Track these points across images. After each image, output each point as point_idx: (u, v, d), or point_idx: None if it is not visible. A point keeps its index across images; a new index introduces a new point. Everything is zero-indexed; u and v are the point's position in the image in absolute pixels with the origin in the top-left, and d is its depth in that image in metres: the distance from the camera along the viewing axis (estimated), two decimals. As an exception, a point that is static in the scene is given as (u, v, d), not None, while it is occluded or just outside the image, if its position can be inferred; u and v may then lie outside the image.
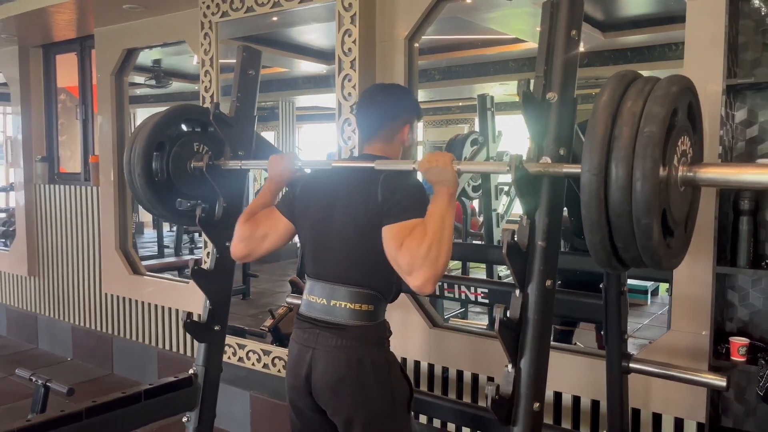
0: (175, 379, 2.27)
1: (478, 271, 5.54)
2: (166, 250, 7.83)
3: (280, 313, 3.93)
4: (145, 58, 6.23)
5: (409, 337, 3.01)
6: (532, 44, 4.91)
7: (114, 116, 4.35)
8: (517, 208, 3.52)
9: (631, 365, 2.08)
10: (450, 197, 1.69)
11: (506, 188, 5.08)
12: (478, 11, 4.46)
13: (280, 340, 3.69)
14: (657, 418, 2.42)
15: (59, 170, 5.12)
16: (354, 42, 2.93)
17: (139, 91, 7.88)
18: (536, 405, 1.56)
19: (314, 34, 5.12)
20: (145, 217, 9.42)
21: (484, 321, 4.80)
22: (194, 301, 3.49)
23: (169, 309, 4.19)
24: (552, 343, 3.49)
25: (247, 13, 3.33)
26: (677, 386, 2.16)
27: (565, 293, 2.79)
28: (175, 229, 7.97)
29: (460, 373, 2.92)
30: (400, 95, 1.99)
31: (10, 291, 5.54)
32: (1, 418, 3.80)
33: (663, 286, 5.85)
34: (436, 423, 2.99)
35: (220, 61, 3.53)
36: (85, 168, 4.81)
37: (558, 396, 2.66)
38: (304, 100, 8.44)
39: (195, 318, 2.33)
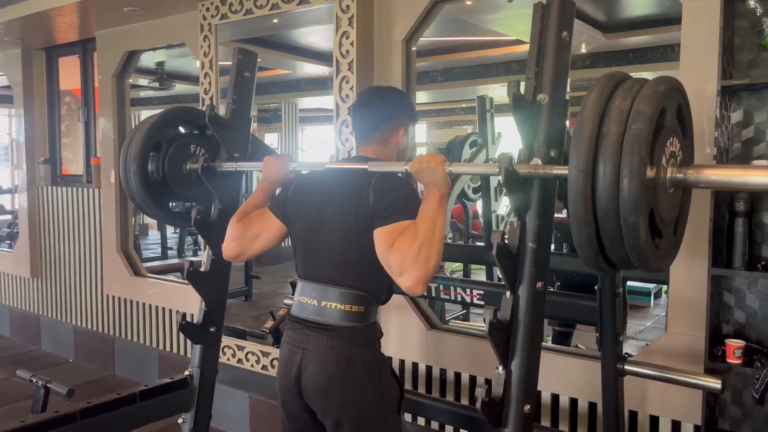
0: (171, 380, 2.27)
1: (480, 273, 5.53)
2: (169, 252, 7.86)
3: (280, 315, 3.93)
4: (149, 60, 6.26)
5: (406, 338, 3.01)
6: (533, 46, 4.89)
7: (115, 118, 4.37)
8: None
9: (626, 367, 2.07)
10: (441, 198, 1.69)
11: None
12: (479, 13, 4.45)
13: (281, 341, 3.69)
14: (654, 421, 2.42)
15: (62, 172, 5.14)
16: (352, 44, 2.94)
17: (143, 93, 7.91)
18: (527, 407, 1.56)
19: (316, 36, 5.13)
20: (150, 219, 9.45)
21: (485, 323, 4.77)
22: (194, 302, 3.45)
23: (170, 310, 4.20)
24: (549, 345, 3.51)
25: (246, 15, 3.34)
26: (674, 388, 2.16)
27: (561, 295, 2.80)
28: (178, 231, 8.00)
29: (458, 375, 2.92)
30: (396, 98, 2.00)
31: (13, 292, 5.57)
32: (3, 418, 3.81)
33: (666, 288, 5.81)
34: (435, 425, 2.99)
35: (222, 63, 3.54)
36: (87, 170, 4.83)
37: (555, 398, 2.65)
38: (307, 102, 8.45)
39: (190, 319, 2.34)
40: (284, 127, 8.36)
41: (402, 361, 3.07)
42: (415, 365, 3.04)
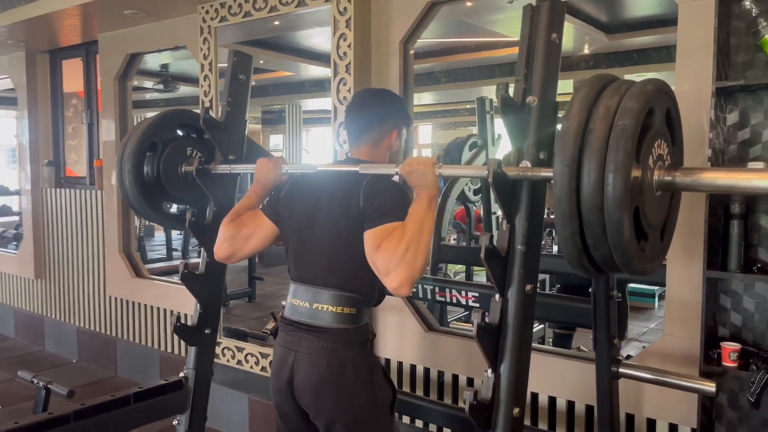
0: (166, 382, 2.28)
1: (482, 275, 5.53)
2: (174, 254, 7.89)
3: (281, 316, 3.93)
4: (154, 62, 6.29)
5: (404, 340, 3.01)
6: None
7: (117, 121, 4.39)
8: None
9: (620, 370, 2.06)
10: (430, 200, 1.70)
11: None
12: (480, 14, 4.45)
13: (274, 343, 3.70)
14: (651, 424, 2.40)
15: (66, 174, 5.17)
16: (349, 46, 2.94)
17: (147, 96, 7.95)
18: (516, 410, 1.56)
19: (319, 38, 5.14)
20: (155, 220, 9.47)
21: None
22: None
23: (171, 312, 4.21)
24: (545, 347, 3.50)
25: (245, 17, 3.35)
26: (670, 391, 2.14)
27: (557, 297, 2.79)
28: (182, 232, 8.02)
29: (455, 377, 2.91)
30: (390, 100, 2.00)
31: (18, 293, 5.60)
32: (4, 419, 3.83)
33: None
34: (432, 428, 2.98)
35: (223, 65, 3.55)
36: (90, 172, 4.86)
37: (552, 400, 2.64)
38: (311, 103, 8.47)
39: (186, 321, 2.34)
40: (288, 128, 8.38)
41: (400, 363, 3.07)
42: (413, 367, 3.04)
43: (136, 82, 6.83)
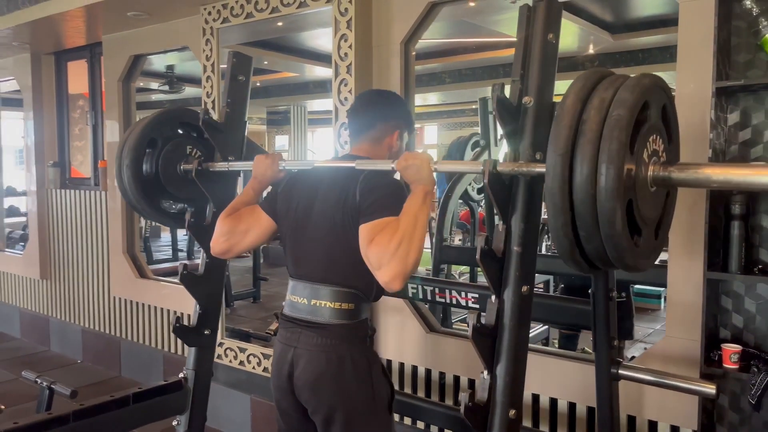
0: (165, 382, 2.29)
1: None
2: (180, 254, 7.92)
3: (281, 313, 3.94)
4: (159, 63, 6.31)
5: (405, 341, 3.00)
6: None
7: (121, 122, 4.40)
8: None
9: (620, 372, 2.05)
10: (425, 196, 1.69)
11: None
12: (483, 14, 4.44)
13: (275, 340, 3.71)
14: (653, 426, 2.39)
15: (71, 175, 5.20)
16: (350, 47, 2.94)
17: (153, 97, 7.97)
18: (512, 412, 1.55)
19: (323, 38, 5.15)
20: (161, 221, 9.51)
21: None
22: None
23: (174, 312, 4.22)
24: (547, 348, 3.46)
25: (247, 18, 3.35)
26: (671, 393, 2.13)
27: (557, 299, 2.78)
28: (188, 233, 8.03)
29: (456, 378, 2.90)
30: (395, 102, 2.02)
31: (24, 294, 5.63)
32: (8, 419, 3.85)
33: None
34: (434, 430, 2.97)
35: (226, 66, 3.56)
36: (94, 173, 4.88)
37: (554, 402, 2.63)
38: (316, 104, 8.48)
39: (186, 322, 2.35)
40: (293, 129, 8.39)
41: (401, 364, 3.06)
42: (414, 368, 3.03)
43: (141, 84, 6.87)
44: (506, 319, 1.55)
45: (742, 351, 2.06)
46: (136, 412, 2.18)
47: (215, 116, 3.40)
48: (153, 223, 9.18)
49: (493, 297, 1.57)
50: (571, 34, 4.88)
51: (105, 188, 4.62)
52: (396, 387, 3.03)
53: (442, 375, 2.95)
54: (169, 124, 2.45)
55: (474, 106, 9.37)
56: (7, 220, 6.92)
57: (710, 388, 1.87)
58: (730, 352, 2.04)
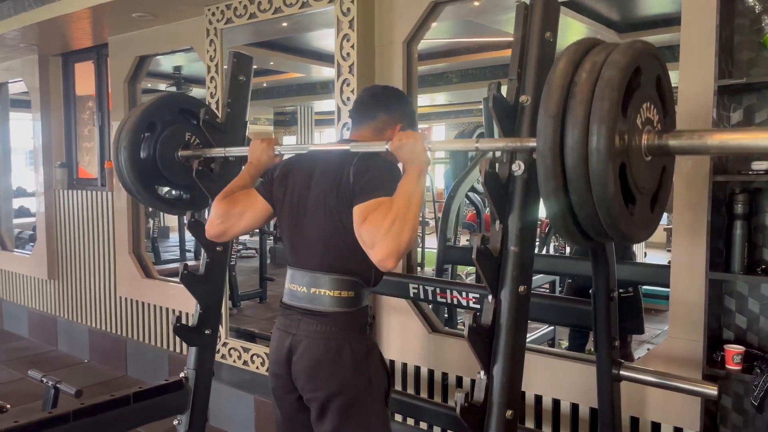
0: (166, 382, 2.29)
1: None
2: (188, 254, 7.95)
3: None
4: (167, 65, 6.34)
5: (408, 342, 3.00)
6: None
7: (127, 122, 4.41)
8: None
9: (621, 372, 2.02)
10: (419, 175, 1.68)
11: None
12: (489, 14, 4.44)
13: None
14: (656, 427, 2.36)
15: (78, 176, 5.23)
16: (352, 47, 2.93)
17: (161, 98, 8.00)
18: (509, 413, 1.54)
19: (329, 39, 5.16)
20: (170, 221, 9.57)
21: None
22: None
23: (180, 312, 4.22)
24: (549, 348, 3.44)
25: (251, 19, 3.35)
26: (674, 395, 2.11)
27: (560, 299, 2.76)
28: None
29: (459, 379, 2.89)
30: (401, 97, 2.02)
31: (32, 294, 5.67)
32: (12, 418, 3.88)
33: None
34: (437, 430, 2.96)
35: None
36: (101, 173, 4.90)
37: (556, 403, 2.61)
38: (323, 104, 8.49)
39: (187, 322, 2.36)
40: (300, 129, 8.41)
41: (404, 365, 3.06)
42: (417, 369, 3.02)
43: (149, 85, 6.91)
44: (503, 320, 1.54)
45: (745, 352, 2.04)
46: (136, 411, 2.18)
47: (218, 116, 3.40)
48: (162, 224, 9.24)
49: (490, 297, 1.56)
50: (577, 33, 4.86)
51: (111, 188, 4.64)
52: (399, 387, 3.04)
53: (444, 375, 2.94)
54: (169, 109, 2.42)
55: (481, 106, 9.37)
56: (18, 221, 6.99)
57: (712, 390, 1.85)
58: (733, 353, 2.02)
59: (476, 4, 3.77)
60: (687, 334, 2.20)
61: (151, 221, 7.84)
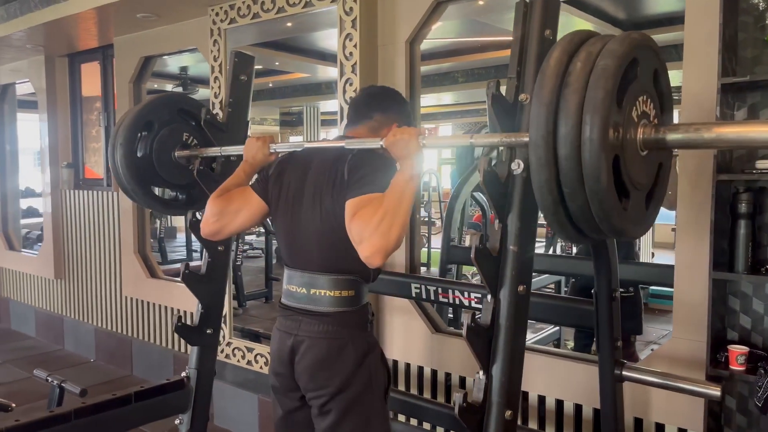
0: (167, 381, 2.29)
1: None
2: (194, 254, 7.97)
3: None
4: (173, 65, 6.36)
5: (411, 342, 2.99)
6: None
7: (132, 123, 4.43)
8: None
9: (624, 373, 2.01)
10: (413, 171, 1.66)
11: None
12: (494, 13, 4.42)
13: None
14: (660, 428, 2.35)
15: (85, 176, 5.25)
16: (355, 46, 2.93)
17: (167, 98, 8.03)
18: (508, 413, 1.53)
19: (334, 39, 5.16)
20: (178, 222, 9.61)
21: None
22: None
23: (184, 312, 4.24)
24: (551, 348, 3.41)
25: (254, 19, 3.36)
26: (678, 396, 2.09)
27: (562, 299, 2.74)
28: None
29: (462, 379, 2.88)
30: (398, 98, 2.01)
31: (39, 293, 5.70)
32: (15, 417, 3.89)
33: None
34: (440, 431, 2.96)
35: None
36: (107, 173, 4.92)
37: (560, 404, 2.60)
38: (329, 104, 8.50)
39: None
40: (306, 129, 8.42)
41: (407, 365, 3.05)
42: (420, 369, 3.02)
43: (156, 85, 6.93)
44: (502, 319, 1.53)
45: (749, 353, 2.02)
46: (138, 410, 2.18)
47: (221, 116, 3.41)
48: (169, 224, 9.27)
49: (489, 296, 1.55)
50: (583, 32, 4.84)
51: (117, 189, 4.65)
52: (402, 388, 3.04)
53: (448, 376, 2.93)
54: (167, 108, 2.41)
55: (486, 106, 9.35)
56: (26, 221, 7.03)
57: (715, 390, 1.84)
58: (737, 353, 2.00)
59: (480, 3, 3.75)
60: (690, 334, 2.18)
61: (158, 222, 7.87)
